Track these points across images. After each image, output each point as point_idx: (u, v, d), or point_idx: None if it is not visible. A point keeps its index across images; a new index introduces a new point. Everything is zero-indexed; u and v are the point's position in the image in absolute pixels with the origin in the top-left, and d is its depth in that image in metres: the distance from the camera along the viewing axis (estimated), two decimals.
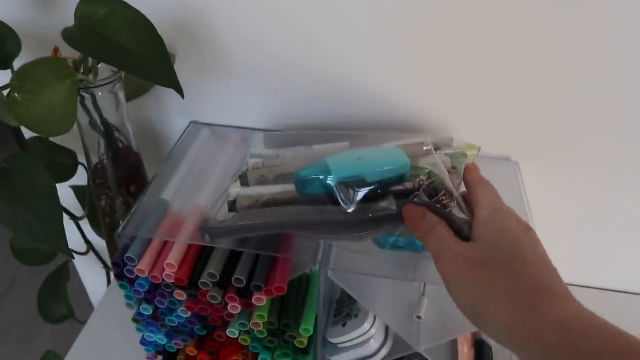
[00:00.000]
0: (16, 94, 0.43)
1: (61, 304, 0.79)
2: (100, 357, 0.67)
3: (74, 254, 0.85)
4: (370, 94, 0.65)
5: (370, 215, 0.43)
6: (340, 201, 0.43)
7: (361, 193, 0.43)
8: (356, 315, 0.58)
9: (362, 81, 0.64)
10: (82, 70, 0.55)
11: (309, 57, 0.63)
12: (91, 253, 0.82)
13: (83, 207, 0.77)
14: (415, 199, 0.43)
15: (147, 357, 0.65)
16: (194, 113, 0.73)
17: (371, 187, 0.43)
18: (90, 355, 0.68)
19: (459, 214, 0.43)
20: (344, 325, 0.59)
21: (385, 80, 0.63)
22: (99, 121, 0.60)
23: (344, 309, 0.61)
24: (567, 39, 0.56)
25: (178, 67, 0.55)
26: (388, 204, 0.43)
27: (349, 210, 0.43)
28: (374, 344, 0.58)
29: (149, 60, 0.48)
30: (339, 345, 0.60)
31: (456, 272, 0.38)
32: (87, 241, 0.79)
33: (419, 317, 0.58)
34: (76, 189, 0.79)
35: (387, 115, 0.66)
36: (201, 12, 0.62)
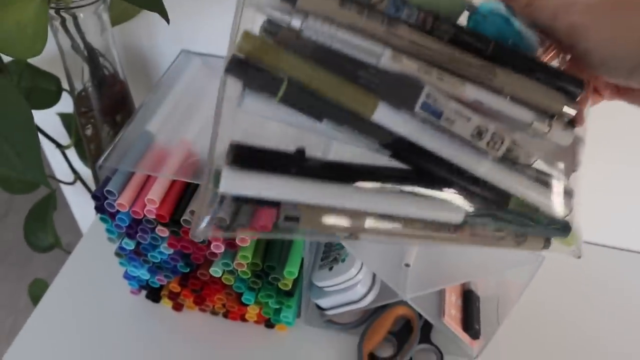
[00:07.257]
0: None
1: (48, 233, 0.77)
2: (86, 287, 0.66)
3: (61, 184, 0.83)
4: None
5: None
6: None
7: None
8: (343, 260, 0.57)
9: None
10: None
11: None
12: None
13: (70, 136, 0.75)
14: None
15: (131, 291, 0.64)
16: (186, 41, 0.69)
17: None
18: (75, 285, 0.67)
19: None
20: (330, 269, 0.57)
21: None
22: (82, 45, 0.57)
23: (332, 252, 0.59)
24: None
25: None
26: None
27: None
28: (360, 290, 0.57)
29: None
30: (325, 289, 0.59)
31: (598, 19, 0.30)
32: (74, 171, 0.77)
33: (407, 265, 0.56)
34: (63, 117, 0.76)
35: None
36: None
